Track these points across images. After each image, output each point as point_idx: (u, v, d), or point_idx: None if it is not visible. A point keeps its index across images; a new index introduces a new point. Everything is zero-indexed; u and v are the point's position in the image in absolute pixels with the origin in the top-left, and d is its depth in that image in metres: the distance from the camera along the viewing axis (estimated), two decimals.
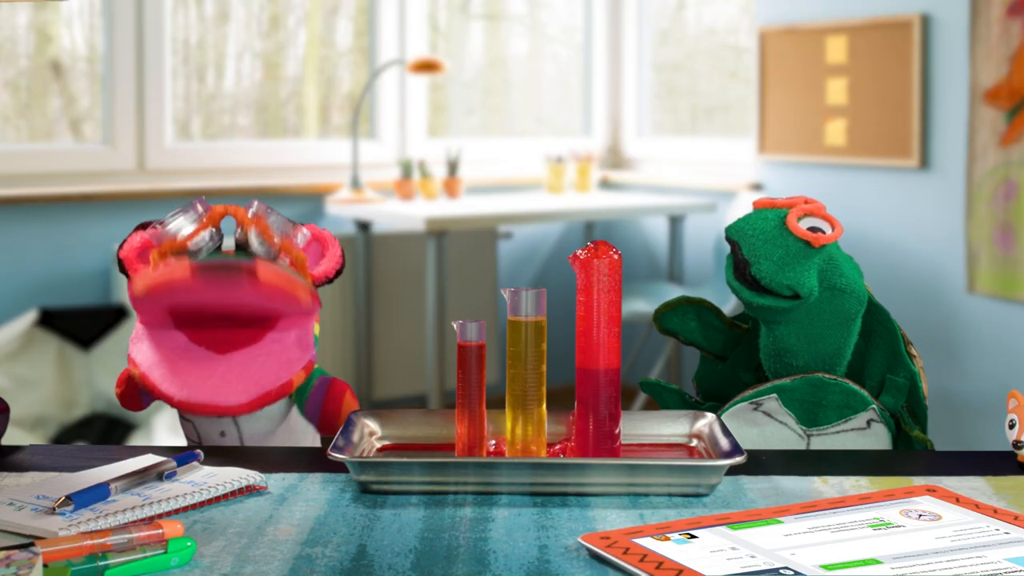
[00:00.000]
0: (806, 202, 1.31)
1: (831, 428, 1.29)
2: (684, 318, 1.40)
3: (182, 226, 1.24)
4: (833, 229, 1.29)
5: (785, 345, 1.29)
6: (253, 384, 1.21)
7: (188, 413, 1.24)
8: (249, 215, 1.25)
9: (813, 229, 1.29)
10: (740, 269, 1.28)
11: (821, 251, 1.27)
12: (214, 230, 1.25)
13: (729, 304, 3.89)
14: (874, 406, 1.29)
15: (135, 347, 1.25)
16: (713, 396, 1.41)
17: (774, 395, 1.29)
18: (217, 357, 1.22)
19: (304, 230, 1.29)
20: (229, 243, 1.28)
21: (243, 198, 1.31)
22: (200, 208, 1.25)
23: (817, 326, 1.28)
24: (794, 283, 1.25)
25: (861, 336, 1.33)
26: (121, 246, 1.28)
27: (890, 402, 1.30)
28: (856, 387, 1.29)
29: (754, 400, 1.30)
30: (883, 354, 1.32)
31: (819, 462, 1.16)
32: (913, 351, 1.33)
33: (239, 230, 1.25)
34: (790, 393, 1.29)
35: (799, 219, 1.29)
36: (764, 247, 1.27)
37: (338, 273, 1.32)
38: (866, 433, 1.29)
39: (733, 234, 1.30)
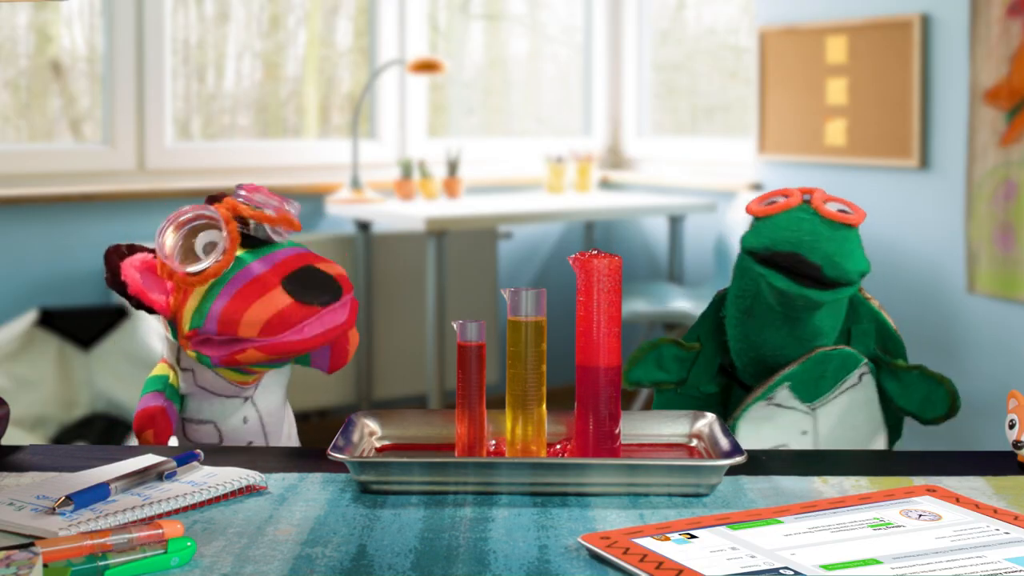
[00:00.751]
0: (790, 193, 1.33)
1: (831, 395, 1.32)
2: (645, 368, 1.41)
3: (172, 241, 1.24)
4: (852, 209, 1.31)
5: (820, 329, 1.31)
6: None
7: (264, 361, 1.25)
8: (239, 201, 1.27)
9: (840, 211, 1.31)
10: (806, 275, 1.28)
11: (855, 229, 1.30)
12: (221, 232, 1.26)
13: None
14: (864, 361, 1.31)
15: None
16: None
17: (786, 383, 1.30)
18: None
19: (295, 202, 1.31)
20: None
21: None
22: (187, 215, 1.25)
23: (843, 300, 1.31)
24: (864, 266, 1.27)
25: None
26: (114, 284, 1.28)
27: (862, 349, 1.33)
28: (849, 349, 1.31)
29: (768, 396, 1.31)
30: (841, 306, 1.34)
31: (819, 462, 1.16)
32: (866, 294, 1.36)
33: (244, 227, 1.27)
34: (799, 377, 1.31)
35: (825, 204, 1.30)
36: (826, 246, 1.28)
37: None
38: (859, 387, 1.32)
39: (788, 246, 1.29)
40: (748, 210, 1.33)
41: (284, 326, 1.21)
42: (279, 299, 1.21)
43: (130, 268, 1.27)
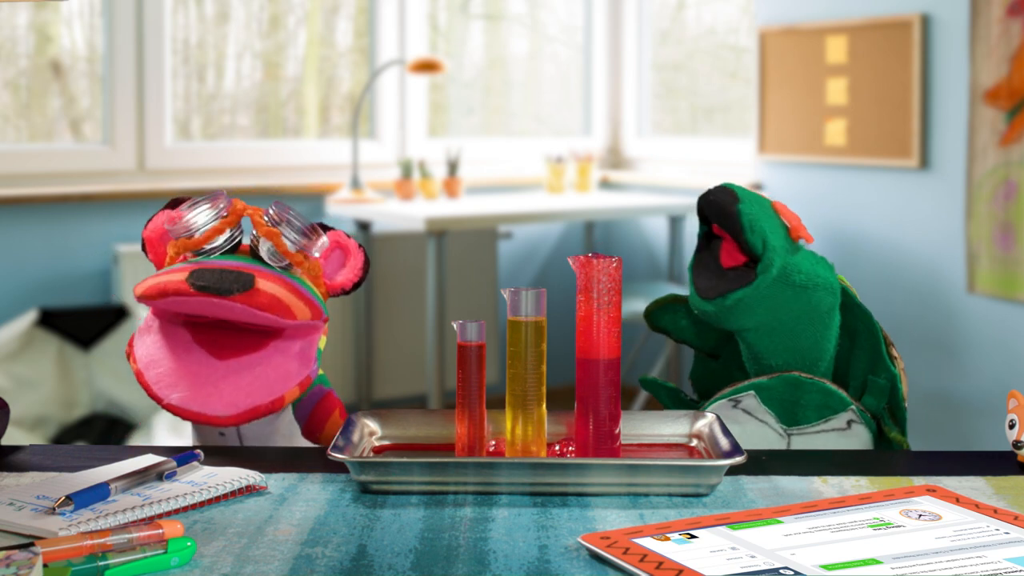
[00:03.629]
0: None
1: (811, 428, 1.30)
2: (675, 316, 1.40)
3: (203, 221, 1.24)
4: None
5: (758, 348, 1.30)
6: (244, 397, 1.18)
7: (178, 417, 1.23)
8: (264, 220, 1.24)
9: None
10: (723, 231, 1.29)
11: (789, 244, 1.29)
12: (233, 229, 1.25)
13: None
14: (853, 407, 1.30)
15: (139, 339, 1.24)
16: (710, 395, 1.41)
17: (752, 392, 1.30)
18: (216, 362, 1.20)
19: (324, 238, 1.27)
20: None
21: (244, 198, 1.30)
22: (222, 205, 1.25)
23: (787, 324, 1.29)
24: (760, 244, 1.26)
25: (846, 336, 1.33)
26: (147, 224, 1.29)
27: (872, 403, 1.31)
28: (833, 387, 1.29)
29: (733, 397, 1.30)
30: (865, 354, 1.32)
31: (819, 462, 1.16)
32: (894, 352, 1.33)
33: (254, 234, 1.25)
34: (768, 391, 1.29)
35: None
36: (740, 204, 1.28)
37: (357, 284, 1.30)
38: (847, 434, 1.30)
39: (709, 194, 1.30)
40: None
41: (158, 293, 1.17)
42: (176, 274, 1.19)
43: (162, 216, 1.28)
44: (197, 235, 1.23)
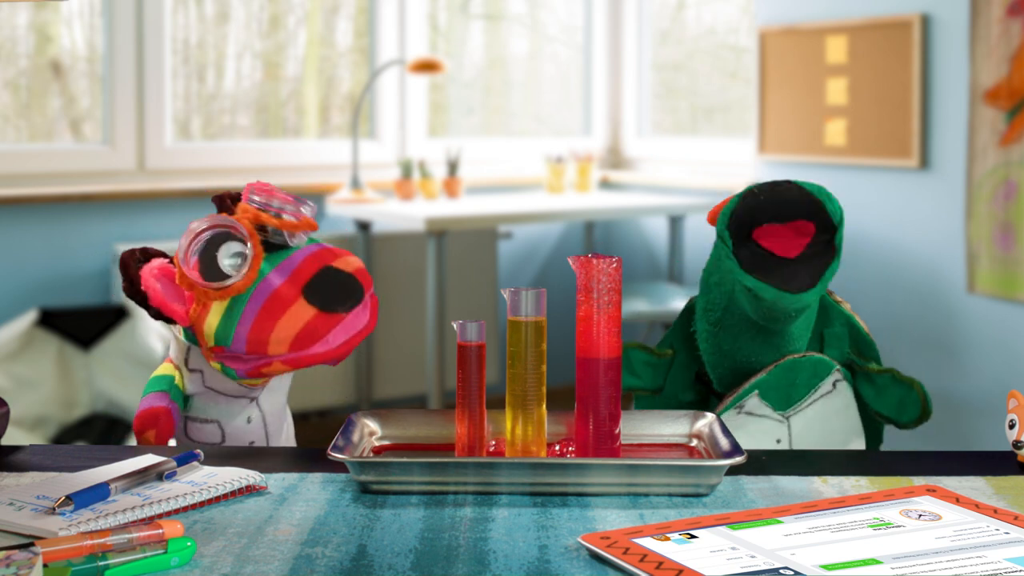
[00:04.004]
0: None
1: (804, 403, 1.31)
2: (626, 375, 1.41)
3: (230, 262, 1.23)
4: None
5: (796, 334, 1.30)
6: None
7: (291, 371, 1.25)
8: (255, 207, 1.25)
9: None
10: (797, 210, 1.29)
11: None
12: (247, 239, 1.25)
13: None
14: (836, 367, 1.31)
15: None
16: None
17: (755, 392, 1.30)
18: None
19: (308, 201, 1.29)
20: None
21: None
22: (243, 239, 1.23)
23: (815, 308, 1.31)
24: (839, 207, 1.28)
25: None
26: (132, 293, 1.26)
27: (835, 353, 1.32)
28: (819, 354, 1.31)
29: (737, 405, 1.31)
30: (814, 313, 1.33)
31: (819, 462, 1.16)
32: (837, 298, 1.35)
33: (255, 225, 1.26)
34: (767, 384, 1.30)
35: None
36: (796, 186, 1.29)
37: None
38: (833, 395, 1.31)
39: (758, 191, 1.30)
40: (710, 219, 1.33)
41: (312, 339, 1.20)
42: (303, 312, 1.20)
43: (150, 278, 1.25)
44: (246, 273, 1.23)
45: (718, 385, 1.36)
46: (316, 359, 1.21)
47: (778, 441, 1.31)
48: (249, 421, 1.29)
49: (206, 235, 1.23)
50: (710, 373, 1.36)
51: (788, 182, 1.29)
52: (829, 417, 1.31)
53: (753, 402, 1.30)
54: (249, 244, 1.22)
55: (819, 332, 1.34)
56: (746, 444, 1.29)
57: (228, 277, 1.21)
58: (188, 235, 1.23)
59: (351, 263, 1.25)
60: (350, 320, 1.22)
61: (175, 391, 1.28)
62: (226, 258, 1.23)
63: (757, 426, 1.31)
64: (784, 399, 1.31)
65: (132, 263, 1.27)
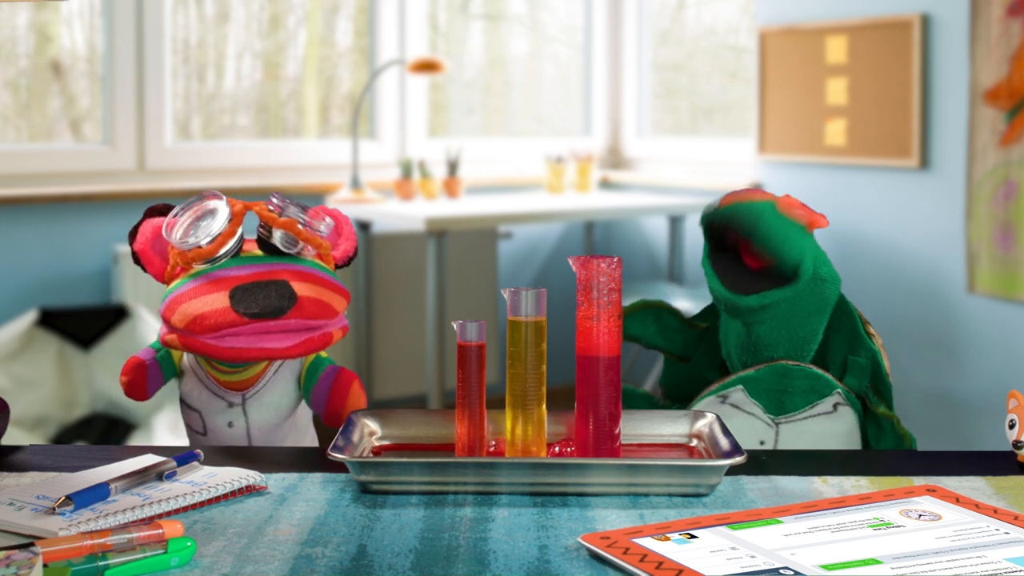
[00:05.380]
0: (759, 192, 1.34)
1: (798, 415, 1.30)
2: (643, 323, 1.41)
3: (217, 228, 1.24)
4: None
5: (766, 340, 1.30)
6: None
7: (229, 361, 1.24)
8: (269, 209, 1.25)
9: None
10: (727, 275, 1.29)
11: (810, 239, 1.29)
12: (240, 229, 1.25)
13: None
14: (839, 389, 1.30)
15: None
16: (679, 398, 1.41)
17: (740, 386, 1.30)
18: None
19: (328, 218, 1.29)
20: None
21: (245, 199, 1.30)
22: (225, 209, 1.25)
23: (798, 315, 1.30)
24: (802, 259, 1.26)
25: None
26: (133, 237, 1.30)
27: (854, 383, 1.31)
28: (820, 371, 1.30)
29: (720, 393, 1.31)
30: (843, 336, 1.33)
31: (819, 462, 1.16)
32: (871, 330, 1.34)
33: (262, 227, 1.26)
34: (755, 383, 1.30)
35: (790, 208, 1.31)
36: (762, 225, 1.28)
37: (353, 256, 1.33)
38: (833, 417, 1.30)
39: (722, 217, 1.30)
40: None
41: (207, 328, 1.19)
42: (216, 302, 1.21)
43: (148, 225, 1.29)
44: (209, 243, 1.23)
45: (739, 366, 1.36)
46: (199, 346, 1.21)
47: (761, 443, 1.31)
48: (231, 426, 1.28)
49: (204, 206, 1.25)
50: (732, 356, 1.35)
51: (751, 214, 1.29)
52: (826, 439, 1.30)
53: (739, 396, 1.30)
54: (226, 218, 1.24)
55: (845, 356, 1.33)
56: None
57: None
58: (190, 203, 1.25)
59: (313, 292, 1.23)
60: (266, 335, 1.21)
61: (165, 355, 1.30)
62: (204, 227, 1.24)
63: (742, 422, 1.30)
64: (776, 403, 1.30)
65: (150, 213, 1.30)
